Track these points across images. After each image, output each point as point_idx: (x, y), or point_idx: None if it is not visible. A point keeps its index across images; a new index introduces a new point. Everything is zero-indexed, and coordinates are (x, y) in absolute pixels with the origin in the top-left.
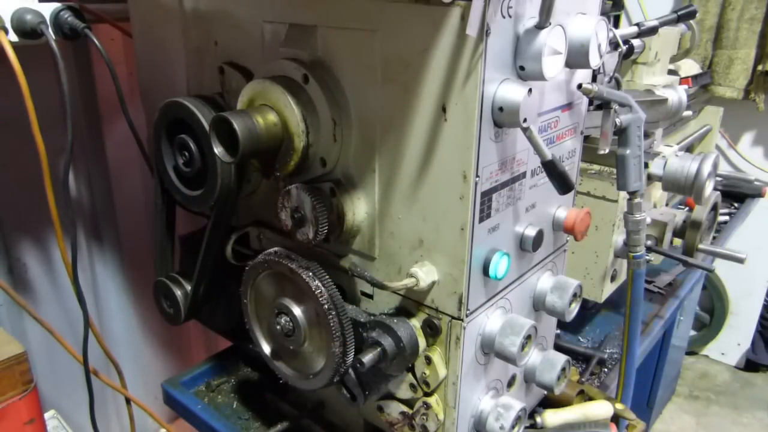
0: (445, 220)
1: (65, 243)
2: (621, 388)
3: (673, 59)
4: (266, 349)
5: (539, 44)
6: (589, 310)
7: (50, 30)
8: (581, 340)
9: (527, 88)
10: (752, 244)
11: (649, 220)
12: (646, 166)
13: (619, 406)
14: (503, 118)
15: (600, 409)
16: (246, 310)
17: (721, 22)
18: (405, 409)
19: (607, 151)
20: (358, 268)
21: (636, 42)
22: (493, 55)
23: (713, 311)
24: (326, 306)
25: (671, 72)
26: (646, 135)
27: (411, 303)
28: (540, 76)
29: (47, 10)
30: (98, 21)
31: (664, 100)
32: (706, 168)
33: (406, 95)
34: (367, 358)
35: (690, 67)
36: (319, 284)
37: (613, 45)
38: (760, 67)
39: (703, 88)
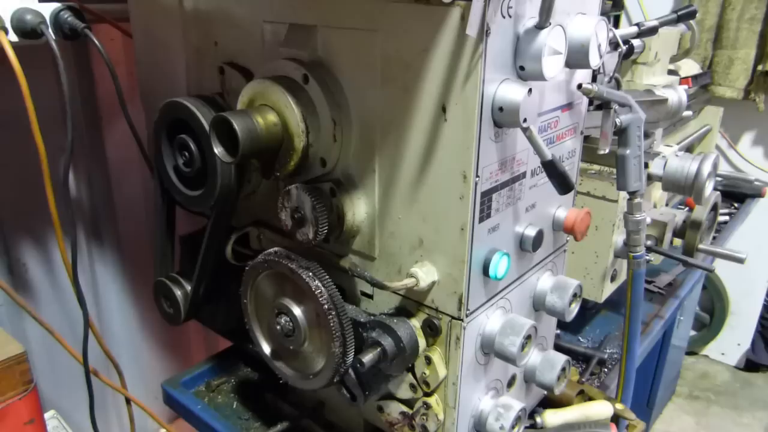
0: (445, 220)
1: (65, 243)
2: (621, 388)
3: (673, 59)
4: (266, 349)
5: (539, 44)
6: (589, 310)
7: (50, 30)
8: (581, 340)
9: (527, 88)
10: (752, 244)
11: (649, 220)
12: (646, 166)
13: (619, 406)
14: (503, 118)
15: (600, 409)
16: (246, 310)
17: (721, 22)
18: (405, 409)
19: (607, 151)
20: (358, 268)
21: (636, 42)
22: (493, 55)
23: (713, 311)
24: (326, 306)
25: (671, 72)
26: (646, 135)
27: (411, 303)
28: (540, 76)
29: (47, 10)
30: (98, 21)
31: (664, 100)
32: (706, 168)
33: (406, 95)
34: (367, 358)
35: (690, 67)
36: (319, 284)
37: (613, 45)
38: (760, 67)
39: (703, 88)
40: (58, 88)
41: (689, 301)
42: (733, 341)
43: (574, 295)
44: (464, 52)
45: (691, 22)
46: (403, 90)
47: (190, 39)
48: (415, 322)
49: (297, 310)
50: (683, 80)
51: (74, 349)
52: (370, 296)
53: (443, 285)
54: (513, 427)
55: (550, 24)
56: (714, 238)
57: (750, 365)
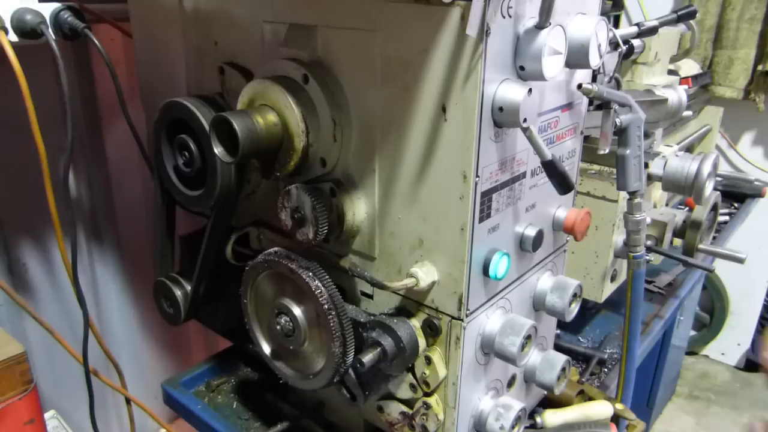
0: (445, 220)
1: (65, 243)
2: (621, 388)
3: (673, 59)
4: (266, 349)
5: (539, 44)
6: (589, 310)
7: (50, 30)
8: (581, 340)
9: (527, 88)
10: (752, 244)
11: (649, 220)
12: (646, 166)
13: (619, 406)
14: (503, 118)
15: (600, 409)
16: (246, 310)
17: (721, 22)
18: (405, 409)
19: (607, 151)
20: (358, 268)
21: (636, 42)
22: (493, 55)
23: (713, 311)
24: (326, 306)
25: (671, 72)
26: (646, 135)
27: (411, 303)
28: (540, 76)
29: (47, 10)
30: (98, 21)
31: (664, 100)
32: (706, 168)
33: (406, 95)
34: (367, 358)
35: (690, 67)
36: (319, 284)
37: (613, 45)
38: (760, 67)
39: (703, 88)
40: (58, 88)
41: (689, 301)
42: (733, 341)
43: (574, 295)
44: (464, 52)
45: (691, 22)
46: (403, 90)
47: (190, 39)
48: (415, 322)
49: (297, 310)
50: (683, 80)
51: (74, 349)
52: (370, 296)
53: (443, 285)
54: (513, 427)
55: (550, 24)
56: (714, 238)
57: (750, 365)
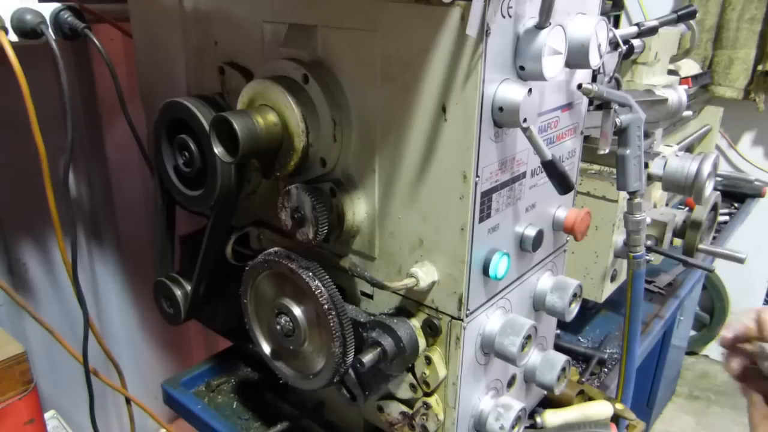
0: (445, 220)
1: (65, 243)
2: (621, 388)
3: (673, 59)
4: (266, 349)
5: (539, 44)
6: (589, 310)
7: (50, 30)
8: (581, 340)
9: (527, 88)
10: (752, 244)
11: (649, 220)
12: (646, 166)
13: (619, 406)
14: (503, 118)
15: (600, 409)
16: (246, 310)
17: (721, 22)
18: (405, 409)
19: (607, 151)
20: (358, 268)
21: (636, 42)
22: (493, 55)
23: (713, 311)
24: (326, 306)
25: (671, 72)
26: (646, 135)
27: (411, 303)
28: (540, 76)
29: (47, 10)
30: (98, 21)
31: (664, 100)
32: (706, 168)
33: (406, 95)
34: (367, 358)
35: (690, 67)
36: (319, 284)
37: (613, 45)
38: (760, 67)
39: (703, 88)
40: (58, 88)
41: (689, 301)
42: None
43: (574, 295)
44: (464, 52)
45: (691, 22)
46: (403, 90)
47: (190, 39)
48: (415, 322)
49: (297, 310)
50: (683, 80)
51: (74, 349)
52: (370, 296)
53: (443, 285)
54: (513, 427)
55: (550, 24)
56: (714, 238)
57: None
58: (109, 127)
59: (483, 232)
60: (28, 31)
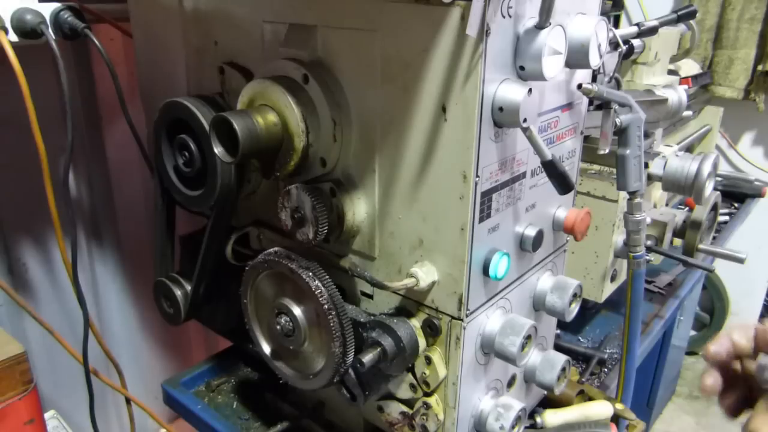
0: (445, 220)
1: (65, 243)
2: (621, 388)
3: (673, 59)
4: (266, 349)
5: (539, 44)
6: (589, 310)
7: (50, 30)
8: (581, 340)
9: (527, 88)
10: (752, 244)
11: (649, 220)
12: (646, 166)
13: (619, 406)
14: (503, 118)
15: (600, 409)
16: (246, 310)
17: (721, 22)
18: (405, 409)
19: (607, 151)
20: (358, 268)
21: (636, 42)
22: (493, 55)
23: (713, 311)
24: (326, 306)
25: (671, 72)
26: (646, 135)
27: (411, 303)
28: (540, 76)
29: (47, 10)
30: (98, 21)
31: (664, 100)
32: (706, 168)
33: (406, 95)
34: (367, 358)
35: (690, 67)
36: (319, 284)
37: (613, 45)
38: (760, 67)
39: (703, 88)
40: (58, 88)
41: (689, 301)
42: None
43: (574, 295)
44: (464, 52)
45: (691, 22)
46: (403, 90)
47: (190, 39)
48: (415, 322)
49: (297, 310)
50: (683, 80)
51: (74, 349)
52: (370, 296)
53: (443, 285)
54: (513, 427)
55: (550, 24)
56: (714, 238)
57: None
58: (109, 127)
59: (483, 232)
60: (28, 31)
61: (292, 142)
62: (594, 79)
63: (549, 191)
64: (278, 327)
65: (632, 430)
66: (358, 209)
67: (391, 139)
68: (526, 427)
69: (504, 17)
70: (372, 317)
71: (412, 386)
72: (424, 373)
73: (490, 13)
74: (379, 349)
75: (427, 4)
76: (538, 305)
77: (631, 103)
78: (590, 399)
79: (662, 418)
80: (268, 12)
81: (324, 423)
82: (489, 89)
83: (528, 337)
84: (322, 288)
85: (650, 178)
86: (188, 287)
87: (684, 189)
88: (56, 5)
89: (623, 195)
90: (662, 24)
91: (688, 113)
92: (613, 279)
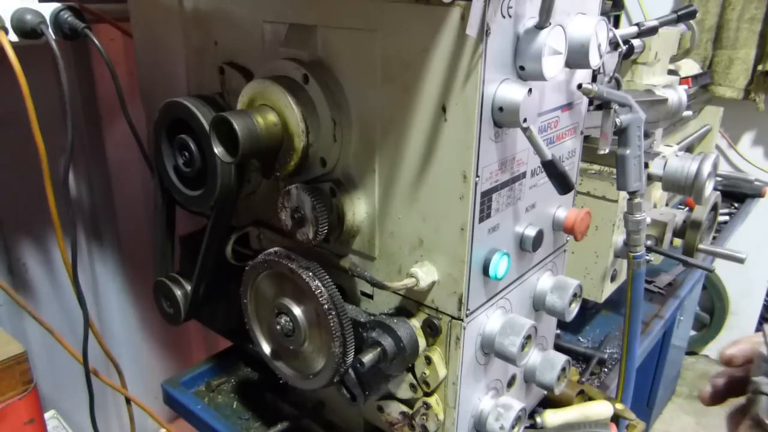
0: (445, 220)
1: (65, 243)
2: (621, 388)
3: (673, 59)
4: (266, 349)
5: (539, 44)
6: (589, 310)
7: (50, 30)
8: (581, 340)
9: (527, 88)
10: (752, 244)
11: (649, 220)
12: (646, 166)
13: (619, 406)
14: (503, 118)
15: (600, 409)
16: (246, 310)
17: (721, 22)
18: (405, 409)
19: (607, 151)
20: (358, 268)
21: (636, 42)
22: (493, 55)
23: (713, 311)
24: (326, 306)
25: (671, 72)
26: (646, 135)
27: (411, 303)
28: (540, 76)
29: (47, 10)
30: (98, 21)
31: (664, 100)
32: (706, 168)
33: (406, 95)
34: (367, 358)
35: (690, 67)
36: (319, 284)
37: (613, 45)
38: (760, 67)
39: (703, 88)
40: (58, 88)
41: (689, 301)
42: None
43: (574, 295)
44: (464, 52)
45: (691, 22)
46: (403, 90)
47: (190, 39)
48: (415, 322)
49: (297, 310)
50: (683, 80)
51: (74, 349)
52: (370, 296)
53: (443, 285)
54: (513, 427)
55: (550, 24)
56: (714, 238)
57: None
58: (109, 127)
59: (483, 232)
60: (28, 31)
61: (292, 142)
62: (594, 79)
63: (549, 191)
64: (278, 327)
65: (632, 430)
66: (358, 209)
67: (391, 139)
68: (526, 427)
69: (504, 17)
70: (372, 317)
71: (412, 386)
72: (424, 373)
73: (490, 13)
74: (379, 349)
75: (427, 4)
76: (538, 305)
77: (631, 103)
78: (590, 399)
79: (662, 418)
80: (268, 12)
81: (324, 423)
82: (489, 89)
83: (528, 337)
84: (322, 288)
85: (650, 178)
86: (188, 287)
87: (684, 189)
88: (56, 5)
89: (623, 195)
90: (662, 24)
91: (688, 113)
92: (613, 279)
